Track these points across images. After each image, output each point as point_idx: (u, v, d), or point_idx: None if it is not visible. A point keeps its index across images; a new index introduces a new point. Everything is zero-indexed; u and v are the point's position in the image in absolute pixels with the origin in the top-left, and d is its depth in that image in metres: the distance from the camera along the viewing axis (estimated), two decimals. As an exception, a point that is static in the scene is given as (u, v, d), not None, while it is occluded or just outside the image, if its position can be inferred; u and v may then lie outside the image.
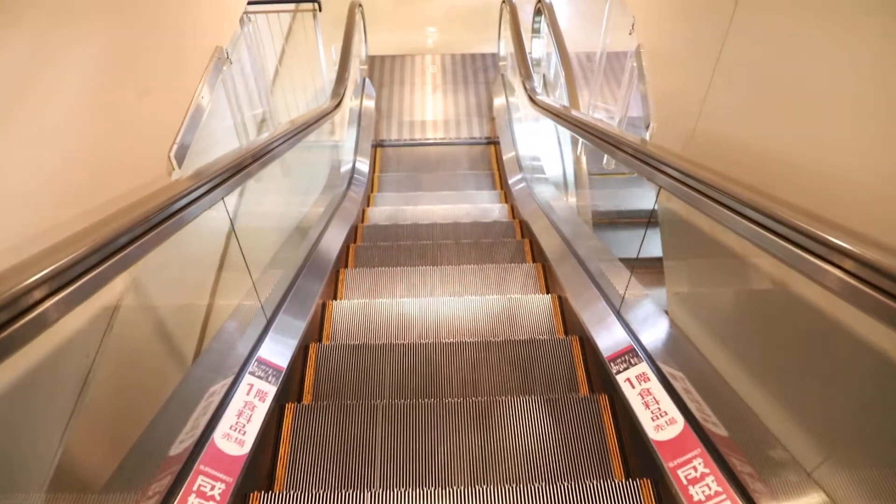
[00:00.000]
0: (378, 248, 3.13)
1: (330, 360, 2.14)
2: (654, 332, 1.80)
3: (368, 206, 4.10)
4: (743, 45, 1.56)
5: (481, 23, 6.64)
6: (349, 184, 3.77)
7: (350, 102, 4.72)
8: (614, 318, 1.98)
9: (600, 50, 4.05)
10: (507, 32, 5.24)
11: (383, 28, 6.52)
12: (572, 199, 3.31)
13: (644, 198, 1.94)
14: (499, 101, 5.06)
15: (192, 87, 2.12)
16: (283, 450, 1.76)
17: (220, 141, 2.80)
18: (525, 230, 3.47)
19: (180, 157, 1.86)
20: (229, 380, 1.66)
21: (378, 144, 5.01)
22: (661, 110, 2.13)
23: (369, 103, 5.00)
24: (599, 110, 4.59)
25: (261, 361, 1.79)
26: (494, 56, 6.03)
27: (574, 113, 2.42)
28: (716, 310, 1.69)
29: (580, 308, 2.19)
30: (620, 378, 1.74)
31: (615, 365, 1.80)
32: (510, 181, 3.96)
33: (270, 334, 1.92)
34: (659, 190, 1.70)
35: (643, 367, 1.72)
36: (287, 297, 2.18)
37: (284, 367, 1.85)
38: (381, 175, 4.54)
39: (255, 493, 1.56)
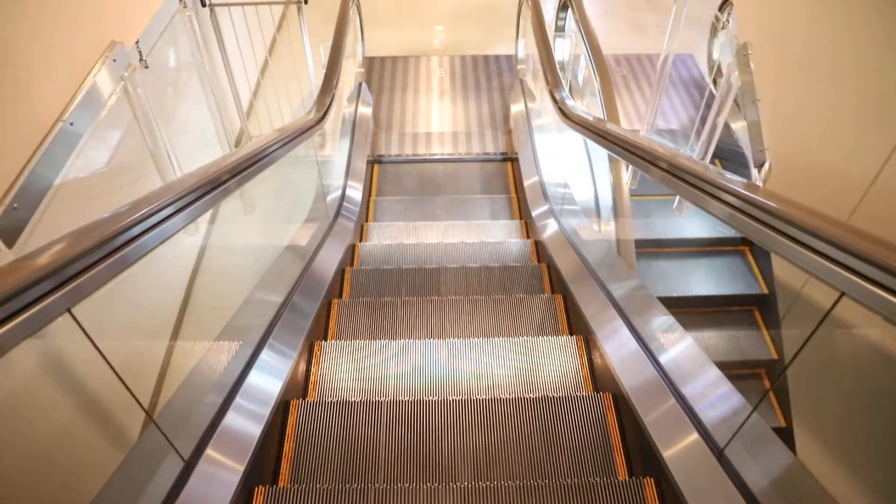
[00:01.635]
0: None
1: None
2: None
3: (361, 239, 3.45)
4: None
5: (496, 20, 6.00)
6: (336, 216, 3.12)
7: (344, 109, 4.08)
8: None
9: (664, 54, 3.39)
10: (528, 31, 4.60)
11: (384, 25, 5.89)
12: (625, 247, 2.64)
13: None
14: (517, 111, 4.41)
15: (56, 99, 1.46)
16: None
17: (124, 182, 2.09)
18: (556, 281, 2.81)
19: (13, 223, 1.19)
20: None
21: (376, 160, 4.36)
22: (785, 144, 1.46)
23: (366, 111, 4.36)
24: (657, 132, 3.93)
25: None
26: (510, 58, 5.39)
27: (646, 143, 1.77)
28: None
29: (661, 444, 1.52)
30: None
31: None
32: (534, 213, 3.29)
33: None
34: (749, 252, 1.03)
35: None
36: (226, 411, 1.53)
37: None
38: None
39: None
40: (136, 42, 1.94)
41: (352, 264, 3.39)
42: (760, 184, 1.55)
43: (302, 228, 2.72)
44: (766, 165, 1.51)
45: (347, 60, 3.93)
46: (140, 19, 1.92)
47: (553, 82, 3.07)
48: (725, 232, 3.57)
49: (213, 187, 1.46)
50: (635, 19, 6.00)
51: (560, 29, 4.54)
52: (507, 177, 4.22)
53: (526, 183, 3.51)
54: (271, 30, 4.00)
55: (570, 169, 3.29)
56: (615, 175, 2.82)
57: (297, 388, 1.94)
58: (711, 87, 4.82)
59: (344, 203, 3.22)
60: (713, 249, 3.59)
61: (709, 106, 4.84)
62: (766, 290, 3.34)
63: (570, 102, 2.75)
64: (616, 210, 2.81)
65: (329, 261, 2.70)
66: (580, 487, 1.51)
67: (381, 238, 3.42)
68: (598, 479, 1.52)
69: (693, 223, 3.60)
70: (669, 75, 5.51)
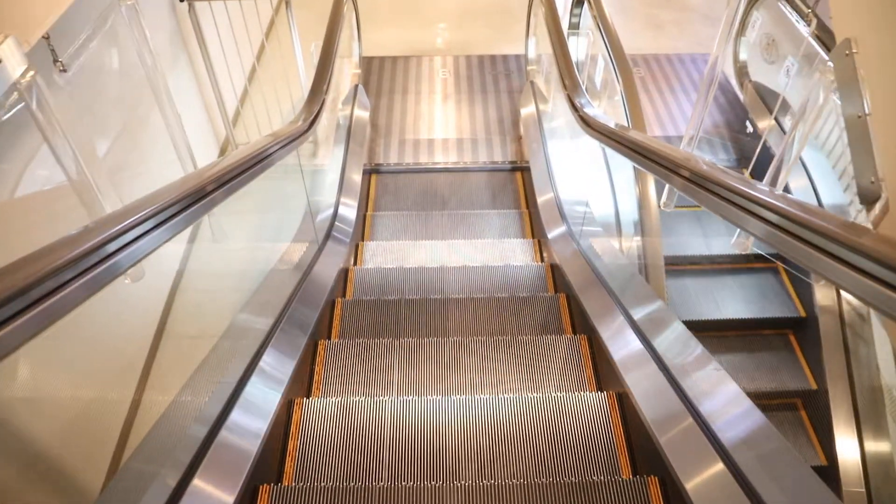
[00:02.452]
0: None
1: None
2: None
3: (356, 261, 3.12)
4: None
5: (504, 17, 5.66)
6: (326, 238, 2.78)
7: (338, 114, 3.75)
8: None
9: (714, 56, 3.09)
10: (539, 29, 4.26)
11: (383, 22, 5.56)
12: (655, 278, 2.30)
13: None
14: (527, 116, 4.07)
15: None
16: None
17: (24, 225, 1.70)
18: (577, 315, 2.47)
19: None
20: None
21: (373, 170, 4.03)
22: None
23: (362, 116, 4.02)
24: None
25: None
26: (519, 58, 5.05)
27: (699, 164, 1.42)
28: None
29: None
30: None
31: None
32: (550, 235, 2.95)
33: None
34: None
35: None
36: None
37: None
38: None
39: None
40: (46, 37, 1.59)
41: (344, 294, 3.06)
42: (869, 225, 1.23)
43: (284, 257, 2.39)
44: (882, 201, 1.17)
45: (342, 61, 3.60)
46: (53, 7, 1.56)
47: (571, 86, 2.73)
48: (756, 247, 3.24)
49: (154, 226, 1.13)
50: (653, 17, 5.66)
51: (574, 26, 4.20)
52: (517, 188, 3.88)
53: (540, 199, 3.16)
54: (260, 28, 3.68)
55: (590, 183, 2.95)
56: (642, 190, 2.48)
57: (268, 471, 1.60)
58: (738, 91, 4.47)
59: (336, 223, 2.88)
60: (742, 266, 3.26)
61: (736, 113, 4.50)
62: (803, 313, 3.01)
63: (591, 110, 2.41)
64: (643, 229, 2.47)
65: (316, 294, 2.36)
66: None
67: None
68: None
69: (721, 237, 3.26)
70: (684, 77, 5.19)
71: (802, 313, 2.99)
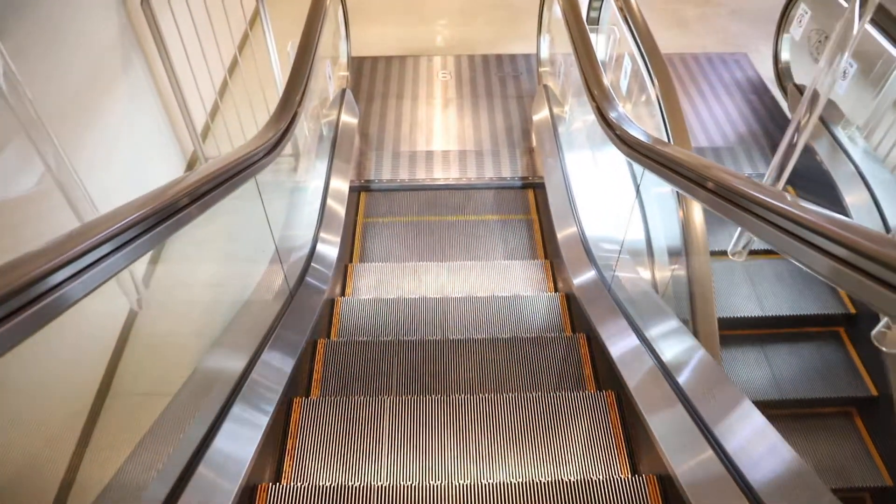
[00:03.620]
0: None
1: None
2: None
3: (345, 291, 2.66)
4: None
5: (511, 12, 5.18)
6: (299, 283, 2.30)
7: (322, 121, 3.27)
8: None
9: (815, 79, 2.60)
10: (553, 25, 3.78)
11: (375, 18, 5.07)
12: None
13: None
14: (541, 124, 3.59)
15: None
16: None
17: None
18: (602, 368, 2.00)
19: None
20: None
21: (363, 187, 3.55)
22: None
23: (350, 125, 3.54)
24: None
25: None
26: (530, 58, 4.57)
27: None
28: None
29: None
30: None
31: None
32: (576, 281, 2.45)
33: None
34: None
35: None
36: None
37: None
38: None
39: None
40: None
41: (329, 334, 2.59)
42: None
43: (239, 319, 1.90)
44: None
45: (324, 62, 3.12)
46: None
47: (601, 96, 2.25)
48: (810, 307, 2.73)
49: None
50: (675, 12, 5.18)
51: (593, 21, 3.72)
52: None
53: (560, 234, 2.64)
54: (230, 29, 3.21)
55: (623, 210, 2.46)
56: (691, 230, 2.02)
57: None
58: (781, 95, 3.99)
59: (313, 264, 2.39)
60: (798, 331, 2.72)
61: (775, 120, 3.95)
62: (874, 392, 2.51)
63: (634, 130, 1.92)
64: (693, 279, 2.01)
65: (280, 361, 1.88)
66: None
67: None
68: None
69: (776, 295, 2.73)
70: (714, 79, 4.70)
71: (874, 392, 2.48)
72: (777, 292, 2.70)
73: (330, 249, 2.51)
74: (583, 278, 2.37)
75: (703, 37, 4.92)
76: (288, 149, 3.44)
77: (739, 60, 4.66)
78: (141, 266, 2.15)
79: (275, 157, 1.92)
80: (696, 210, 2.03)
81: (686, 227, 2.04)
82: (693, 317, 1.98)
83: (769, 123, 4.07)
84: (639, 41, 2.72)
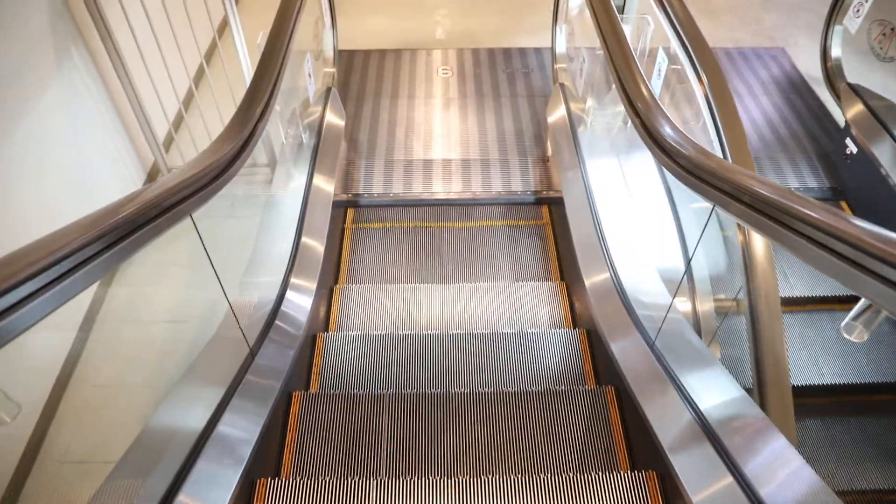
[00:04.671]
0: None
1: None
2: None
3: (327, 326, 2.23)
4: None
5: (521, 1, 4.72)
6: (262, 337, 1.86)
7: (302, 125, 2.83)
8: None
9: None
10: (570, 14, 3.33)
11: (366, 7, 4.62)
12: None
13: None
14: (558, 129, 3.14)
15: None
16: None
17: None
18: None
19: None
20: None
21: (350, 203, 3.11)
22: None
23: (334, 130, 3.10)
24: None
25: None
26: (541, 52, 4.12)
27: None
28: None
29: None
30: None
31: None
32: (615, 346, 1.99)
33: None
34: None
35: None
36: None
37: None
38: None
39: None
40: None
41: (307, 386, 2.18)
42: None
43: (181, 391, 1.47)
44: None
45: (303, 57, 2.68)
46: None
47: (645, 108, 1.81)
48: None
49: None
50: (704, 2, 4.73)
51: (618, 10, 3.28)
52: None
53: (589, 282, 2.16)
54: (200, 23, 2.76)
55: (677, 247, 2.02)
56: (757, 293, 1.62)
57: None
58: (831, 95, 3.54)
59: (282, 308, 1.95)
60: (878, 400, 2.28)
61: (822, 125, 3.50)
62: None
63: (697, 153, 1.47)
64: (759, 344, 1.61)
65: (250, 415, 1.45)
66: None
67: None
68: None
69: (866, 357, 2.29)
70: (749, 76, 4.25)
71: None
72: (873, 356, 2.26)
73: (303, 299, 2.07)
74: (616, 327, 1.92)
75: (735, 29, 4.47)
76: (264, 157, 3.01)
77: (776, 56, 4.21)
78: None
79: (222, 185, 1.48)
80: (761, 247, 1.63)
81: (750, 271, 1.63)
82: (760, 386, 1.57)
83: (815, 127, 3.62)
84: (681, 33, 2.30)
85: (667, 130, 1.64)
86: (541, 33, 4.17)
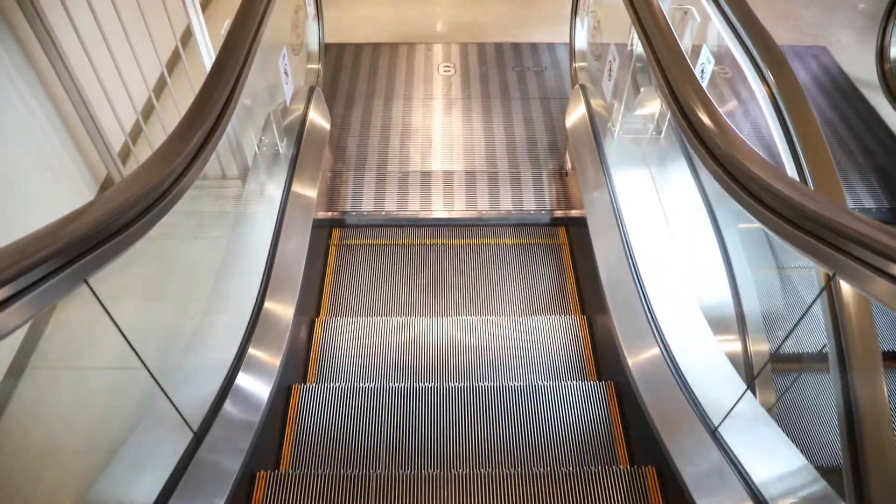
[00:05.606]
0: None
1: None
2: None
3: (305, 377, 1.82)
4: None
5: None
6: (204, 429, 1.45)
7: (279, 134, 2.43)
8: None
9: None
10: (599, 5, 2.92)
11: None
12: None
13: None
14: (578, 138, 2.73)
15: None
16: None
17: None
18: None
19: None
20: None
21: (335, 222, 2.71)
22: None
23: (317, 136, 2.69)
24: None
25: None
26: (556, 48, 3.71)
27: None
28: None
29: None
30: None
31: None
32: (653, 409, 1.58)
33: None
34: None
35: None
36: None
37: None
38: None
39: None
40: None
41: (277, 465, 1.80)
42: None
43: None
44: None
45: (275, 51, 2.27)
46: None
47: (700, 125, 1.40)
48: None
49: None
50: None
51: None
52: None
53: (632, 361, 1.65)
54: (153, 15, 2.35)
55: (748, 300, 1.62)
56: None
57: None
58: (889, 102, 3.15)
59: (235, 388, 1.54)
60: None
61: (875, 134, 3.10)
62: None
63: (794, 194, 1.07)
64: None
65: None
66: None
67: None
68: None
69: None
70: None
71: None
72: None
73: (261, 385, 1.65)
74: (659, 399, 1.51)
75: (770, 25, 4.01)
76: (234, 169, 2.60)
77: (818, 55, 3.81)
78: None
79: (153, 223, 1.08)
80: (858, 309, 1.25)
81: (846, 338, 1.25)
82: (856, 479, 1.19)
83: (868, 138, 3.22)
84: (738, 27, 1.93)
85: (735, 155, 1.23)
86: (555, 26, 3.77)
